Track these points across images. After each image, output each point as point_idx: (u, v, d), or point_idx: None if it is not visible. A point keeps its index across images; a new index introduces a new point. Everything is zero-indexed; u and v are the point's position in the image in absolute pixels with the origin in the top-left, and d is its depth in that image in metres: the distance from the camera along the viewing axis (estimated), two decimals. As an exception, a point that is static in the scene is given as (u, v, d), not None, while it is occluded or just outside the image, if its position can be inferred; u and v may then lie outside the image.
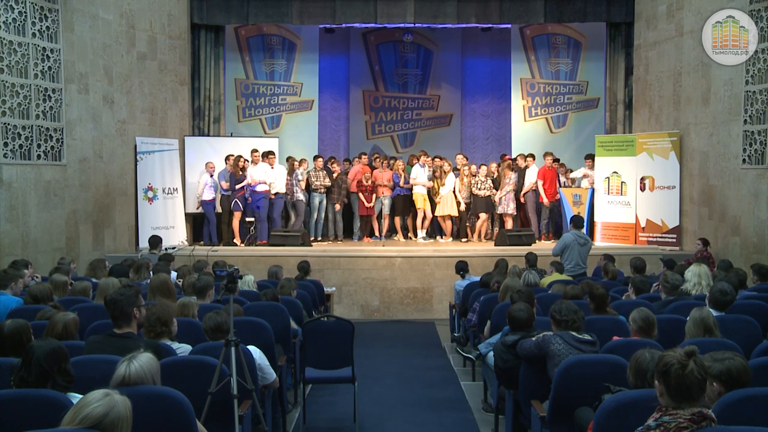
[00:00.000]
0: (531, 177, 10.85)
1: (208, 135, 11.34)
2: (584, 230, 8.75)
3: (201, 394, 3.33)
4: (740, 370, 2.75)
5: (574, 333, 3.79)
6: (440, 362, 7.14)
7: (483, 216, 10.69)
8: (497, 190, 10.73)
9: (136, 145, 10.02)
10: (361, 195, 10.80)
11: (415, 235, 11.02)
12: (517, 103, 12.69)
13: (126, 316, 3.63)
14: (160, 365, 2.91)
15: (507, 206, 10.67)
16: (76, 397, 2.71)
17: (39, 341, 2.98)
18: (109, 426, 2.16)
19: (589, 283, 4.90)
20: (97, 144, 9.33)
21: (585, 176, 11.02)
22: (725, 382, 2.73)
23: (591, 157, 11.01)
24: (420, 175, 10.71)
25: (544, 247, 9.65)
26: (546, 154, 10.96)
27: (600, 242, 10.47)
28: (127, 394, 2.30)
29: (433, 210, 10.86)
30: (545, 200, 10.69)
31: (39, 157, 8.24)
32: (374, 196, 10.83)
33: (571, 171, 11.30)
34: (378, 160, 11.27)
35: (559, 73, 12.62)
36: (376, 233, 11.06)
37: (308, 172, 10.86)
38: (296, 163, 10.79)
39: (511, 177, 10.68)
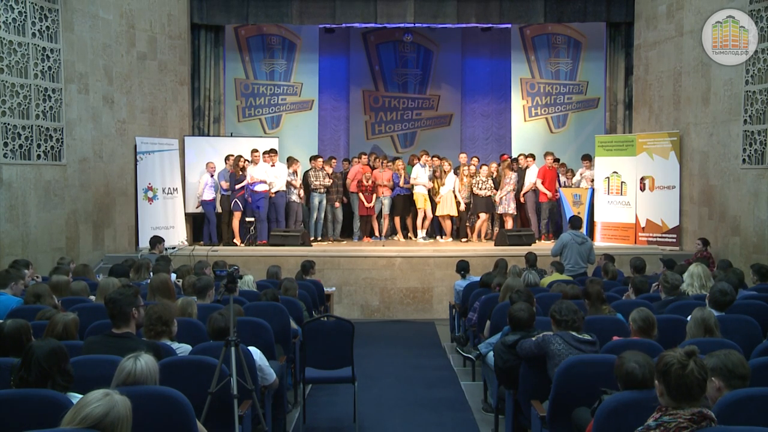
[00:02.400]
0: (531, 177, 10.85)
1: (208, 135, 11.34)
2: (584, 231, 8.74)
3: (201, 394, 3.33)
4: (736, 362, 2.76)
5: (574, 333, 3.80)
6: (440, 362, 7.13)
7: (483, 216, 10.69)
8: (497, 190, 10.73)
9: (136, 145, 10.02)
10: (361, 195, 10.79)
11: (415, 235, 11.01)
12: (517, 103, 12.67)
13: (125, 316, 3.63)
14: (160, 365, 2.92)
15: (507, 206, 10.67)
16: (76, 397, 2.71)
17: (39, 341, 2.98)
18: (109, 426, 2.16)
19: (584, 281, 4.94)
20: (97, 144, 9.33)
21: (582, 176, 11.02)
22: (723, 376, 2.74)
23: (587, 157, 11.02)
24: (421, 175, 10.71)
25: (544, 247, 9.63)
26: (546, 154, 10.96)
27: (600, 242, 10.46)
28: (127, 394, 2.30)
29: (433, 210, 10.86)
30: (547, 193, 10.66)
31: (39, 157, 8.24)
32: (374, 196, 10.83)
33: (572, 171, 11.30)
34: (378, 160, 11.26)
35: (559, 73, 12.61)
36: (376, 233, 11.06)
37: (307, 171, 10.86)
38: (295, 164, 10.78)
39: (511, 177, 10.69)
